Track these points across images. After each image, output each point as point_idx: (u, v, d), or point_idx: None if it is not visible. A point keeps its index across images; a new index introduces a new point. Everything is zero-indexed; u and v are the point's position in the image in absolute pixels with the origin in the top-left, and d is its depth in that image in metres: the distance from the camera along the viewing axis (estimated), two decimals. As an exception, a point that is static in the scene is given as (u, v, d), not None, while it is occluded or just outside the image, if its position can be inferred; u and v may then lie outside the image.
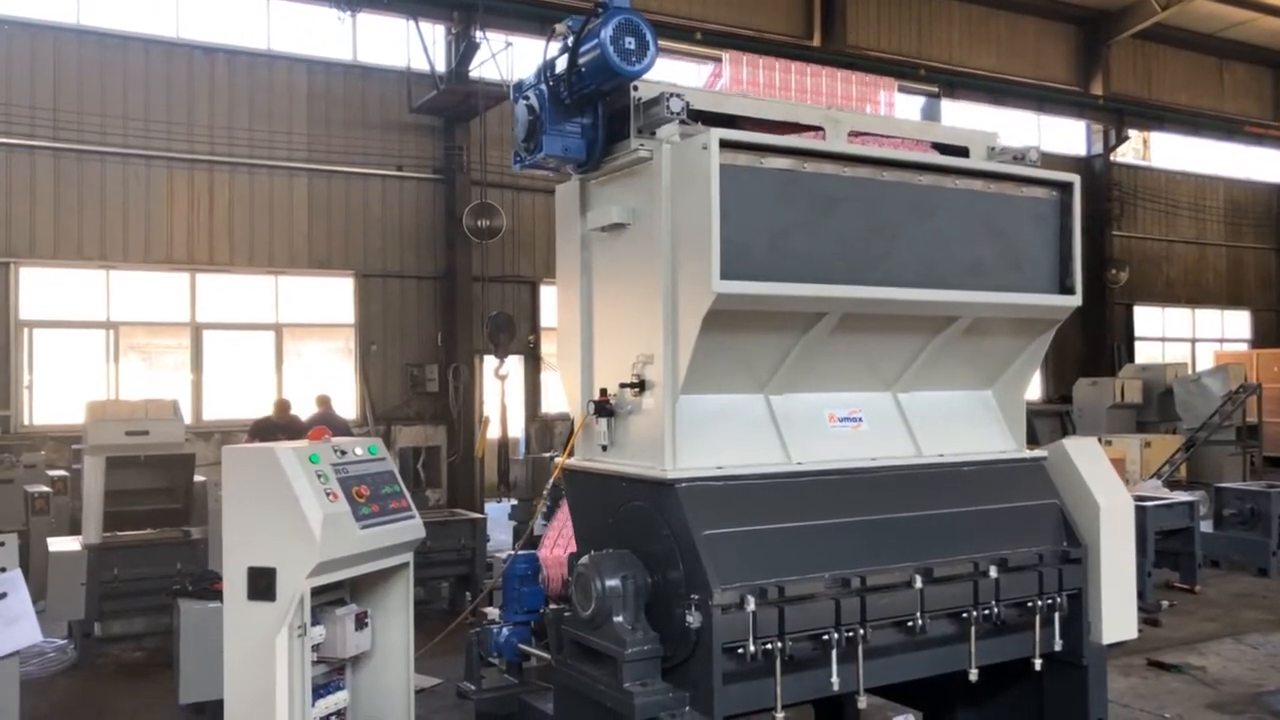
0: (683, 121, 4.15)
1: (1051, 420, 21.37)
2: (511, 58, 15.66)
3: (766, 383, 4.40)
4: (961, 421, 4.93)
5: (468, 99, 16.11)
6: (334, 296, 16.66)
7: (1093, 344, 23.37)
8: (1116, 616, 4.82)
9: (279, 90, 16.01)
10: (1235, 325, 26.67)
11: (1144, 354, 24.42)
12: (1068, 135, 23.59)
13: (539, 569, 5.05)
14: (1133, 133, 23.73)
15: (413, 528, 4.44)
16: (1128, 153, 24.25)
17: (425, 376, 16.90)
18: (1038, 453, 5.01)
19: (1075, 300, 4.87)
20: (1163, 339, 25.35)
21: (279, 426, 11.83)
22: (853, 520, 4.30)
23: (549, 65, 4.23)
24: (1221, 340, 26.11)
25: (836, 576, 4.08)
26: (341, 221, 16.46)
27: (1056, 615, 4.60)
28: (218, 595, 5.74)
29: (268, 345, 16.23)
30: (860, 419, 4.64)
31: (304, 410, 13.23)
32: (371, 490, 4.25)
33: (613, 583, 3.98)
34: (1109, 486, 5.02)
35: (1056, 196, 4.87)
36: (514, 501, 12.81)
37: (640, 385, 4.20)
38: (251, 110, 15.80)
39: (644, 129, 4.17)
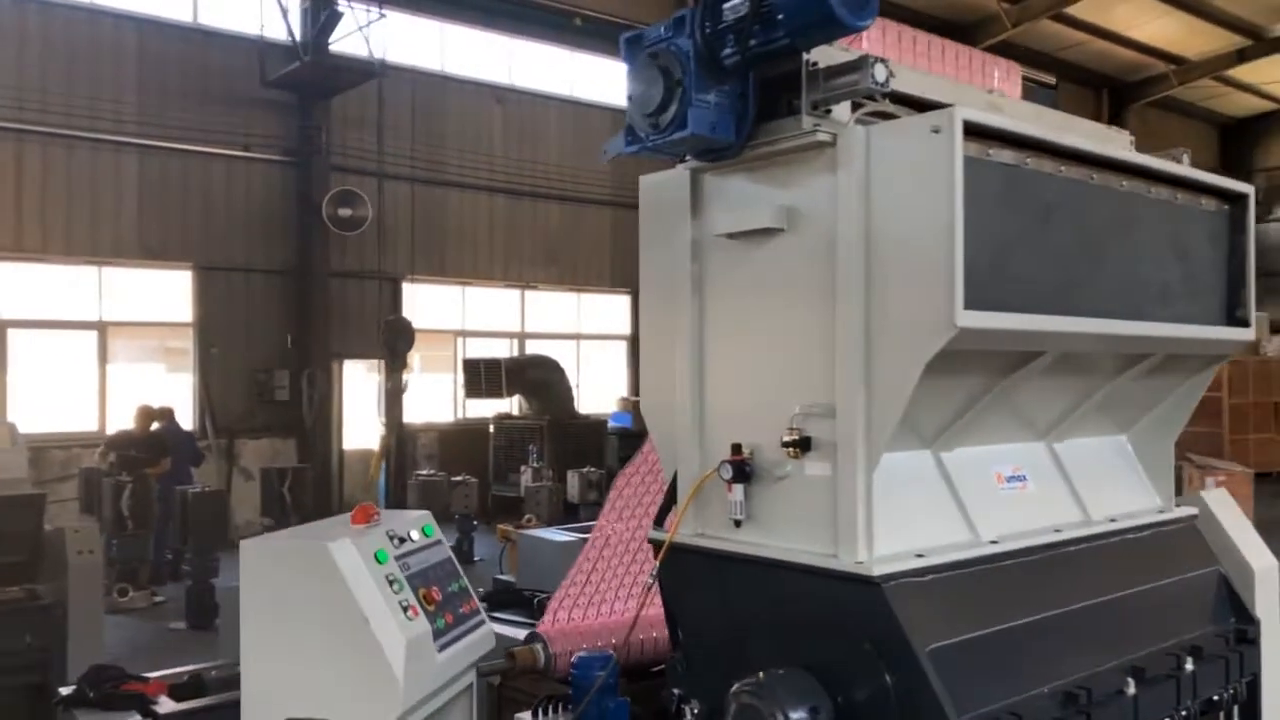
0: (867, 99, 3.17)
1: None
2: (384, 32, 14.12)
3: (935, 437, 3.46)
4: (1109, 474, 4.16)
5: (330, 74, 14.43)
6: (168, 291, 14.58)
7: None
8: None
9: (104, 51, 13.82)
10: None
11: None
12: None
13: (616, 668, 3.91)
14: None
15: (485, 637, 3.24)
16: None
17: (274, 384, 15.07)
18: (1188, 510, 4.30)
19: (1249, 334, 4.17)
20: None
21: (142, 443, 10.01)
22: (1057, 613, 3.42)
23: (706, 9, 3.11)
24: None
25: (1057, 689, 3.20)
26: (178, 206, 14.41)
27: (1236, 709, 3.90)
28: (132, 704, 4.34)
29: (89, 347, 14.00)
30: (1025, 477, 3.77)
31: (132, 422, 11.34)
32: (442, 593, 3.03)
33: (799, 716, 2.95)
34: (1254, 545, 4.39)
35: (1227, 210, 4.17)
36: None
37: (803, 444, 3.18)
38: (70, 72, 13.55)
39: (820, 104, 3.14)
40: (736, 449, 3.36)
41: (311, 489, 12.91)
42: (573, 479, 13.49)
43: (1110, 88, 27.87)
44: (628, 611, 4.68)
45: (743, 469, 3.33)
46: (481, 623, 3.19)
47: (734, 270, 3.44)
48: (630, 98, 3.28)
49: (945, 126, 2.87)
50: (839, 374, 3.10)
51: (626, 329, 18.79)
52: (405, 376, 12.21)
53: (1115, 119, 27.64)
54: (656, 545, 3.62)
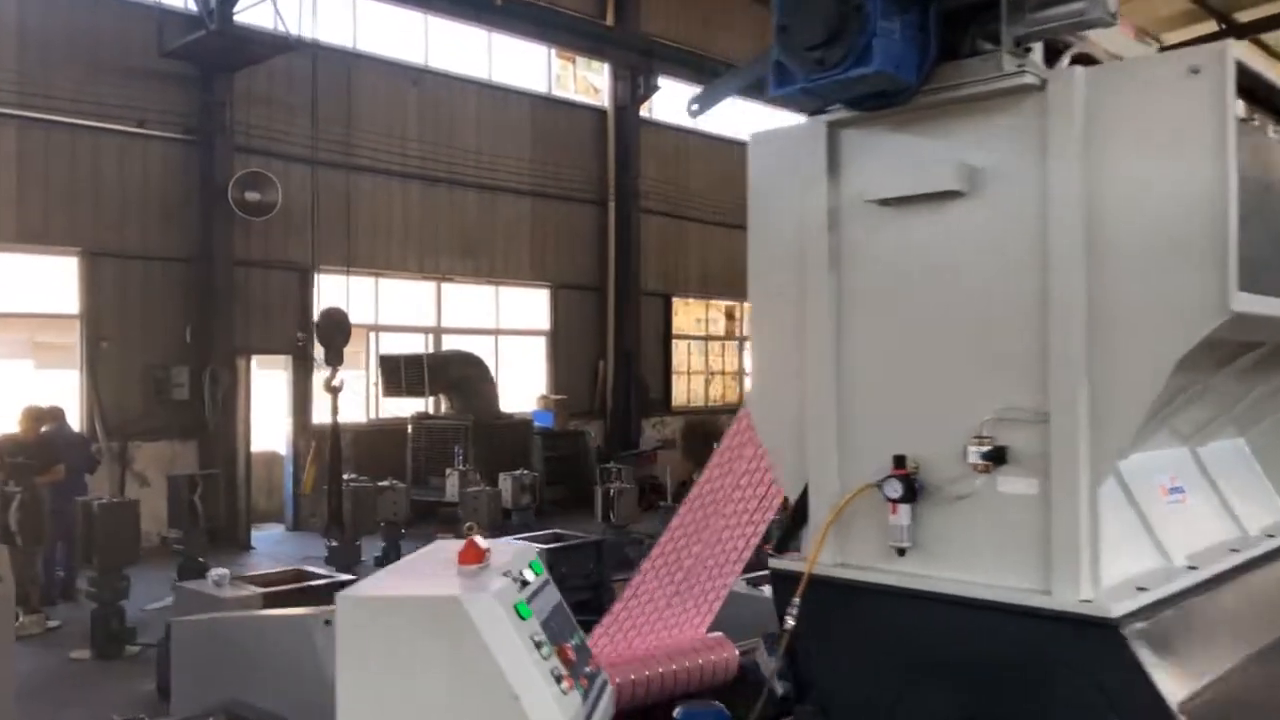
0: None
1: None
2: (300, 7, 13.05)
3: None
4: (1242, 481, 3.74)
5: (236, 46, 13.27)
6: (53, 279, 13.20)
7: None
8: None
9: (-22, 12, 12.38)
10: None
11: None
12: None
13: None
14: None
15: (610, 696, 2.57)
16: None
17: (172, 381, 13.78)
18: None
19: None
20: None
21: (31, 449, 8.87)
22: (1263, 648, 2.96)
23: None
24: None
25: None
26: (63, 185, 13.03)
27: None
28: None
29: (-42, 341, 12.54)
30: (1184, 489, 3.31)
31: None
32: (573, 649, 2.36)
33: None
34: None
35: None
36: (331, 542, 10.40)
37: (997, 456, 2.62)
38: (-64, 34, 12.10)
39: (1023, 41, 2.59)
40: (900, 462, 2.79)
41: (223, 498, 11.81)
42: (505, 483, 12.73)
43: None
44: (669, 638, 4.09)
45: (912, 486, 2.76)
46: (606, 684, 2.52)
47: (890, 243, 2.86)
48: (783, 29, 2.67)
49: (1209, 67, 2.35)
50: (1053, 370, 2.55)
51: (546, 324, 18.05)
52: (340, 374, 11.23)
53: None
54: (783, 577, 3.02)
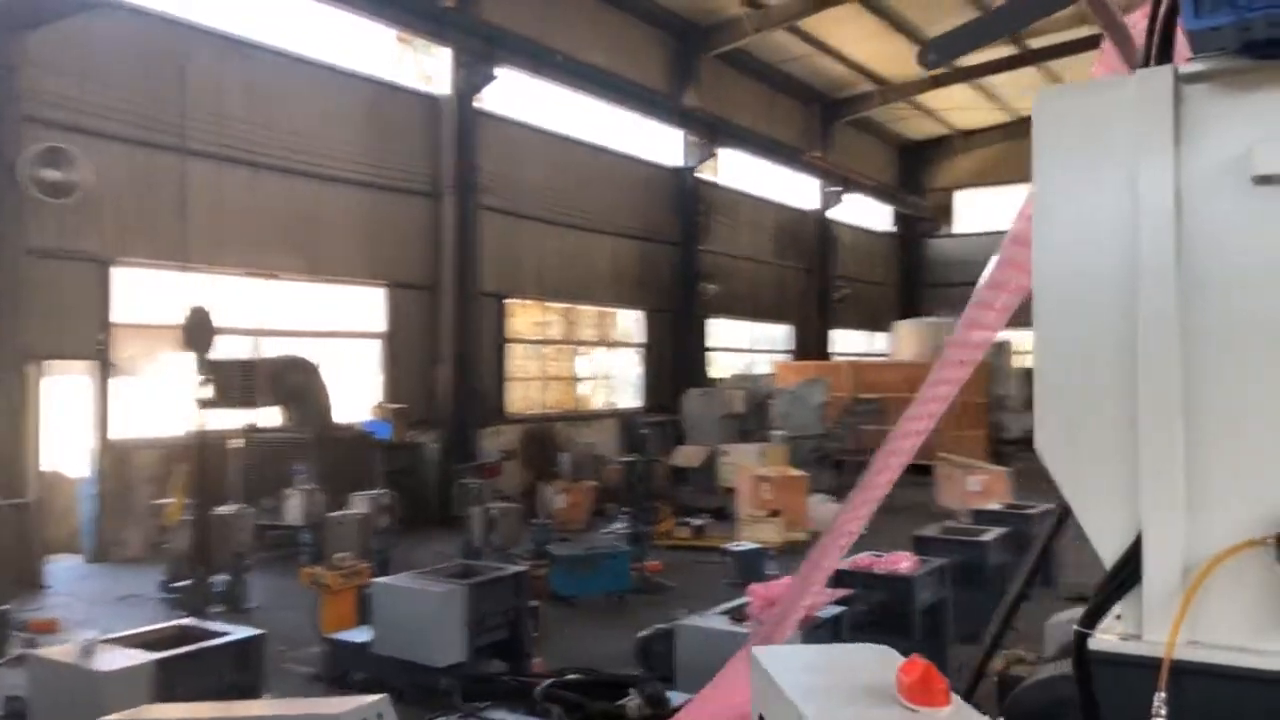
0: None
1: (659, 430, 21.04)
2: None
3: None
4: None
5: (28, 1, 11.31)
6: None
7: (685, 355, 23.55)
8: None
9: None
10: (781, 338, 28.83)
11: (716, 365, 25.23)
12: (659, 144, 23.39)
13: None
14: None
15: None
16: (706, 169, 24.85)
17: (-58, 391, 11.59)
18: None
19: None
20: (730, 350, 26.46)
21: None
22: None
23: None
24: (772, 352, 28.00)
25: None
26: None
27: None
28: None
29: None
30: None
31: None
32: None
33: None
34: None
35: None
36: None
37: None
38: None
39: None
40: (1302, 510, 2.17)
41: (14, 529, 9.95)
42: (360, 504, 11.44)
43: (821, 103, 29.12)
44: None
45: (1327, 543, 2.14)
46: None
47: (1275, 233, 2.24)
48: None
49: None
50: None
51: (381, 326, 16.65)
52: (206, 383, 9.62)
53: (824, 134, 29.01)
54: (1113, 663, 2.33)
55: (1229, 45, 2.18)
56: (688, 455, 18.89)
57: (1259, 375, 2.26)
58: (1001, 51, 26.57)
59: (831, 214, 29.91)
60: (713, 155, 24.04)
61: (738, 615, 6.18)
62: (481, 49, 16.79)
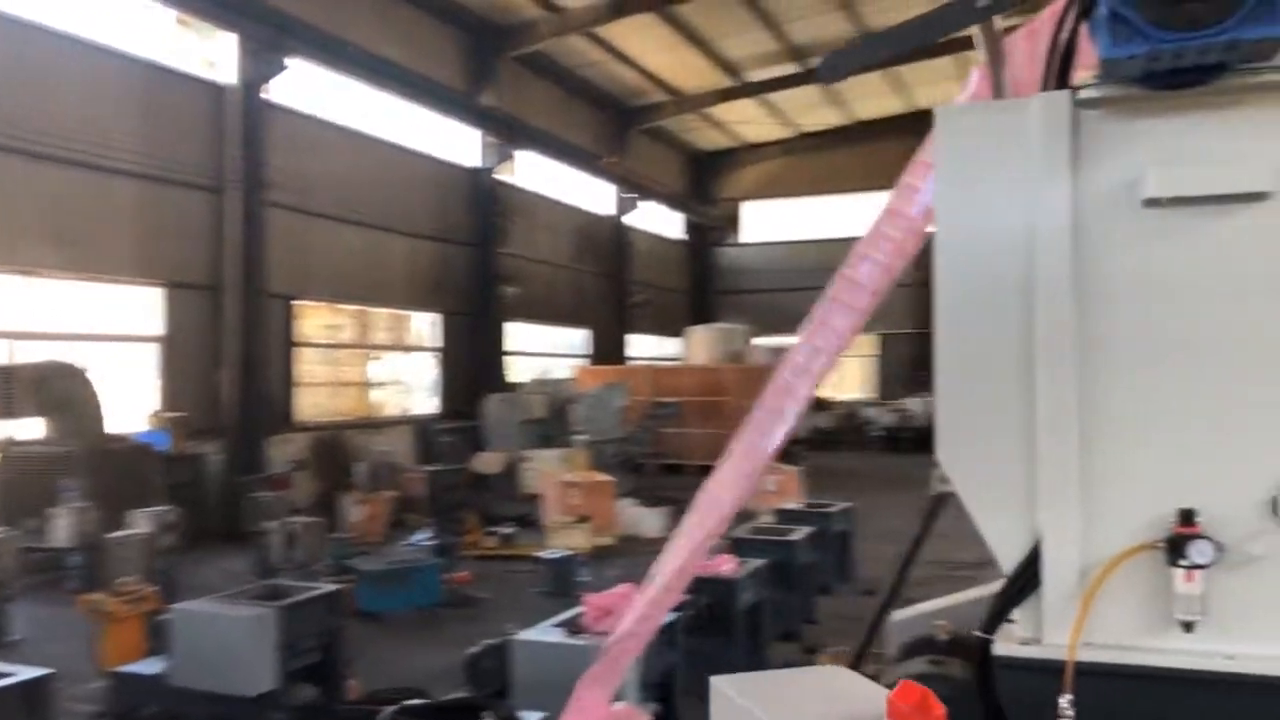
0: None
1: (461, 437, 20.63)
2: None
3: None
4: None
5: None
6: None
7: (482, 359, 23.19)
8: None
9: None
10: (579, 342, 28.89)
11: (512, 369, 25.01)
12: (457, 144, 22.95)
13: None
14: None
15: None
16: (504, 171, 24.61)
17: None
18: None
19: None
20: (529, 354, 26.28)
21: None
22: None
23: None
24: (570, 356, 28.03)
25: None
26: None
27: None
28: None
29: None
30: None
31: None
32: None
33: None
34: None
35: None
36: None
37: (1325, 507, 2.21)
38: None
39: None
40: (1188, 518, 2.29)
41: None
42: (142, 522, 10.56)
43: (617, 110, 29.43)
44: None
45: (1203, 548, 2.27)
46: None
47: (1159, 252, 2.36)
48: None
49: None
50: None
51: (161, 328, 15.44)
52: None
53: (619, 140, 29.38)
54: (1016, 667, 2.39)
55: (1134, 74, 2.28)
56: (488, 462, 18.57)
57: (1149, 386, 2.38)
58: (786, 69, 27.77)
59: (627, 220, 30.29)
60: (510, 157, 23.81)
61: (574, 627, 6.06)
62: (271, 37, 15.90)
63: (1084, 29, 2.33)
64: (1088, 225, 2.41)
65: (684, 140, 34.15)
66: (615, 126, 29.70)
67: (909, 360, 31.21)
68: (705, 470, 19.23)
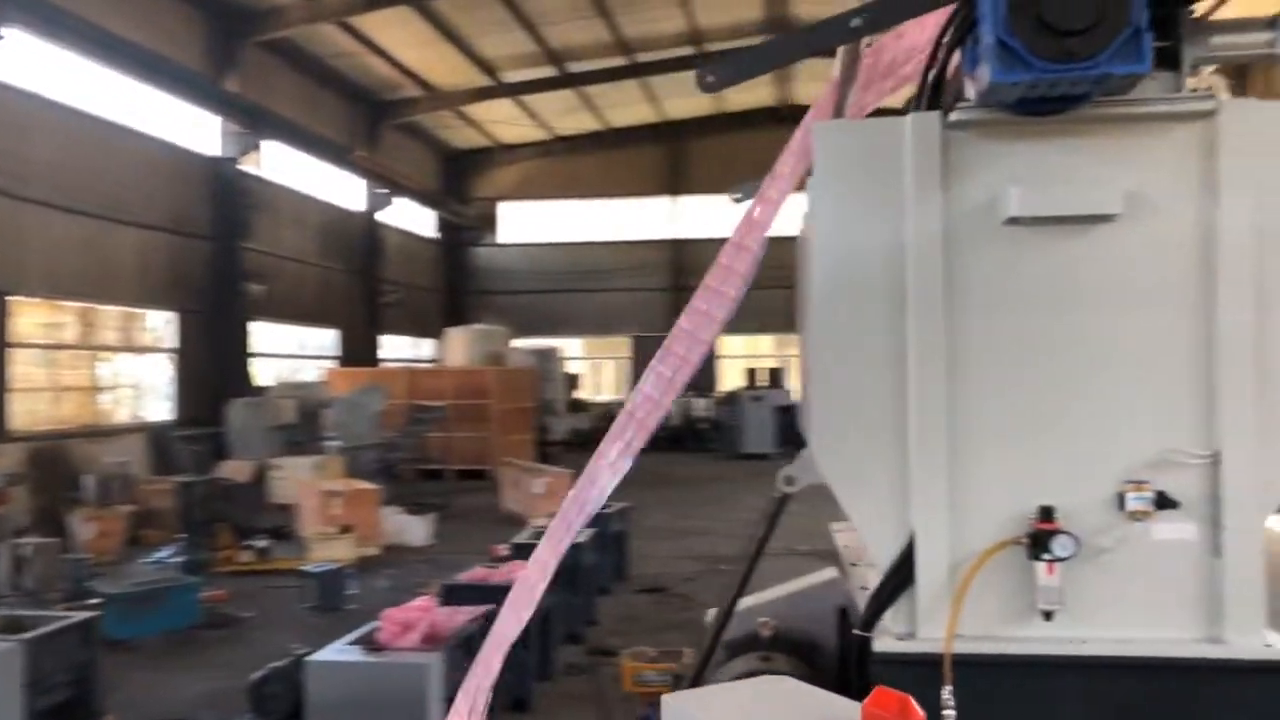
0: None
1: (202, 444, 19.29)
2: None
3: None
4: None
5: None
6: None
7: (224, 361, 21.74)
8: None
9: None
10: (327, 343, 27.68)
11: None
12: (197, 132, 21.39)
13: None
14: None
15: None
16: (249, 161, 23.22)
17: None
18: None
19: None
20: (275, 356, 24.92)
21: None
22: None
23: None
24: (319, 357, 26.81)
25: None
26: None
27: None
28: None
29: None
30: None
31: None
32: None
33: None
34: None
35: None
36: None
37: (1161, 502, 2.45)
38: None
39: (1199, 64, 2.45)
40: (1048, 514, 2.48)
41: None
42: None
43: (369, 103, 28.47)
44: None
45: (1062, 542, 2.45)
46: None
47: (1020, 268, 2.54)
48: (1021, 6, 2.19)
49: (1375, 117, 2.46)
50: (1226, 406, 2.47)
51: None
52: None
53: (371, 135, 28.49)
54: (895, 662, 2.48)
55: (1012, 99, 2.43)
56: (235, 471, 17.42)
57: (1011, 392, 2.56)
58: (543, 71, 27.87)
59: (380, 217, 29.35)
60: (256, 148, 22.44)
61: (371, 644, 5.79)
62: (-15, -2, 14.19)
63: (955, 57, 2.47)
64: (956, 240, 2.57)
65: (439, 138, 33.52)
66: (367, 120, 28.71)
67: (661, 362, 32.09)
68: (468, 475, 19.20)
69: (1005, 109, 2.50)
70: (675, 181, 34.11)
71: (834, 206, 2.61)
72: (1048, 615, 2.56)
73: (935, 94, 2.64)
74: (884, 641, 2.58)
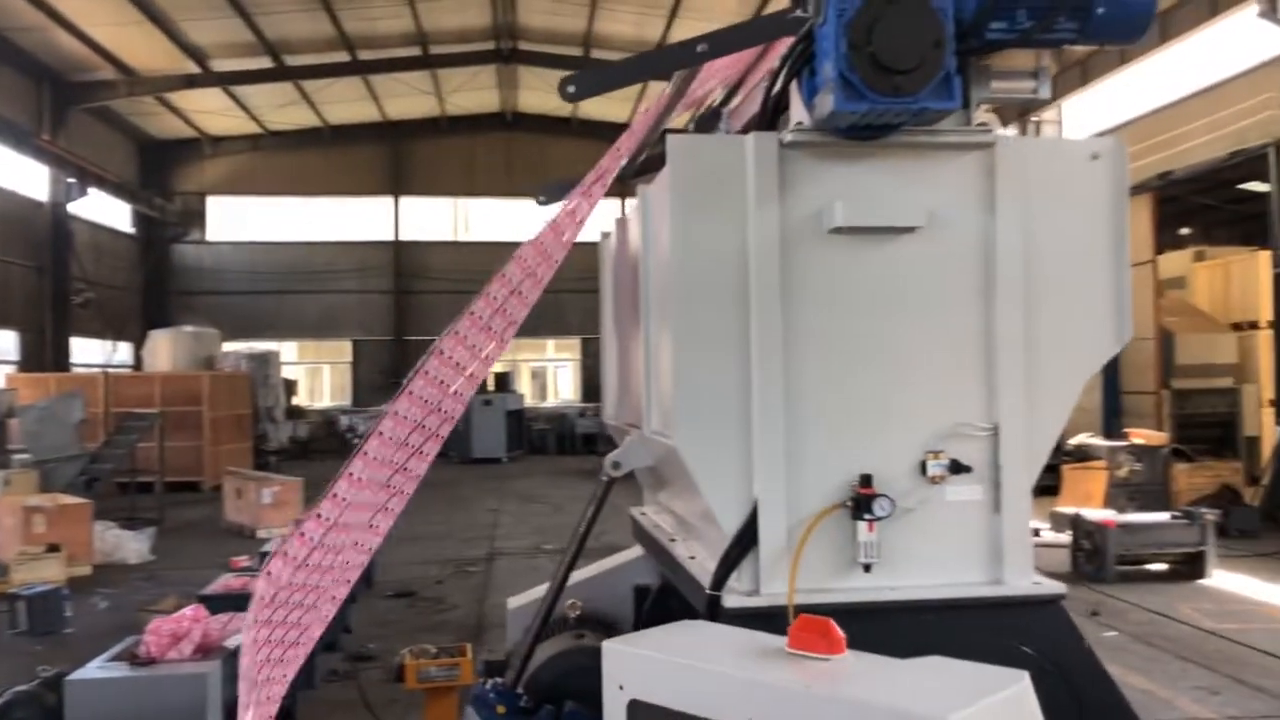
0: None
1: None
2: None
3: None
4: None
5: None
6: None
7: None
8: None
9: None
10: (8, 346, 24.88)
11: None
12: None
13: None
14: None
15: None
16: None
17: None
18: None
19: None
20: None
21: None
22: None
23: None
24: (-4, 363, 24.05)
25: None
26: None
27: None
28: None
29: None
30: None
31: None
32: None
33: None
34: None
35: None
36: None
37: (956, 468, 2.91)
38: None
39: (981, 104, 2.93)
40: (867, 481, 2.89)
41: None
42: None
43: (55, 83, 25.91)
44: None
45: (879, 504, 2.87)
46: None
47: (842, 270, 2.93)
48: (858, 46, 2.57)
49: (1107, 155, 3.05)
50: (1003, 388, 2.98)
51: None
52: None
53: (58, 118, 26.02)
54: (732, 615, 2.79)
55: (845, 125, 2.81)
56: (-96, 489, 15.35)
57: (836, 378, 2.95)
58: (258, 62, 26.54)
59: (72, 209, 26.71)
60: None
61: (136, 659, 5.45)
62: None
63: (793, 86, 2.83)
64: (791, 245, 2.92)
65: (137, 125, 30.96)
66: (53, 102, 26.08)
67: (383, 367, 31.46)
68: (181, 487, 18.12)
69: (835, 133, 2.89)
70: (397, 182, 33.47)
71: (687, 214, 2.90)
72: (867, 568, 2.98)
73: (774, 117, 2.99)
74: (733, 598, 2.90)
